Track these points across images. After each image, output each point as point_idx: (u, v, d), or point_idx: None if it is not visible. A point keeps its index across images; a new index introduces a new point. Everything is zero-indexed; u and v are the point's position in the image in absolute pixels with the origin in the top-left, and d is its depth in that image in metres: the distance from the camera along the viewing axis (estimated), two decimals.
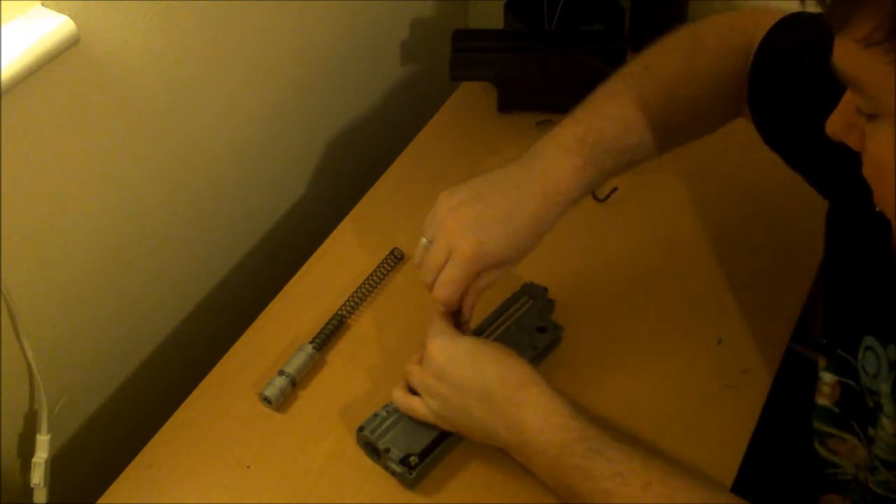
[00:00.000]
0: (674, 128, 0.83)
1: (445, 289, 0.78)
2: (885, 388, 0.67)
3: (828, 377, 0.73)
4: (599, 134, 0.79)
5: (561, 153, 0.78)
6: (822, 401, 0.75)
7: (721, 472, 0.81)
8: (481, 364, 0.77)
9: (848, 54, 0.51)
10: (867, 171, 0.58)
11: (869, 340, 0.69)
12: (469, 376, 0.77)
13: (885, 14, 0.48)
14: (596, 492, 0.70)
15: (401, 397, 0.81)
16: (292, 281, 1.00)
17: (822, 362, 0.74)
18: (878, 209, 0.59)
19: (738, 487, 0.80)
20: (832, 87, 0.56)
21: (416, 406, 0.80)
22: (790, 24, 0.80)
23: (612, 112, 0.80)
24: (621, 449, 0.72)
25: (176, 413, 0.88)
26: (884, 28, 0.48)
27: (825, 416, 0.75)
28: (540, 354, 0.88)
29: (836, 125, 0.58)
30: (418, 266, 0.81)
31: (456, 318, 0.83)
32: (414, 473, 0.79)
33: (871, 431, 0.70)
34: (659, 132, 0.81)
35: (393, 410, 0.83)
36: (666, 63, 0.84)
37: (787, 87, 0.78)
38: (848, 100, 0.57)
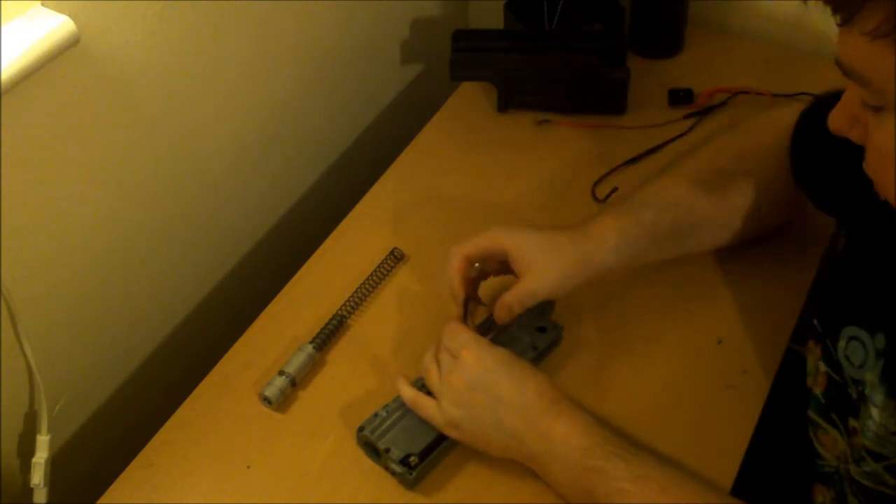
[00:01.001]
0: None
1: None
2: (870, 377, 0.68)
3: (822, 366, 0.74)
4: None
5: None
6: (816, 389, 0.76)
7: (721, 472, 0.80)
8: (523, 377, 0.79)
9: (854, 47, 0.52)
10: (870, 162, 0.58)
11: (852, 330, 0.70)
12: (509, 388, 0.78)
13: (893, 6, 0.48)
14: (614, 492, 0.72)
15: (411, 395, 0.81)
16: (292, 281, 0.99)
17: (817, 351, 0.75)
18: (882, 198, 0.60)
19: (737, 487, 0.80)
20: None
21: (429, 406, 0.80)
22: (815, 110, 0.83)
23: None
24: (640, 455, 0.74)
25: (176, 413, 0.88)
26: (892, 20, 0.48)
27: (815, 405, 0.76)
28: (540, 354, 0.88)
29: (839, 120, 0.59)
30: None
31: (464, 319, 0.84)
32: (414, 473, 0.79)
33: (851, 422, 0.71)
34: None
35: (393, 410, 0.82)
36: None
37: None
38: (850, 94, 0.57)
